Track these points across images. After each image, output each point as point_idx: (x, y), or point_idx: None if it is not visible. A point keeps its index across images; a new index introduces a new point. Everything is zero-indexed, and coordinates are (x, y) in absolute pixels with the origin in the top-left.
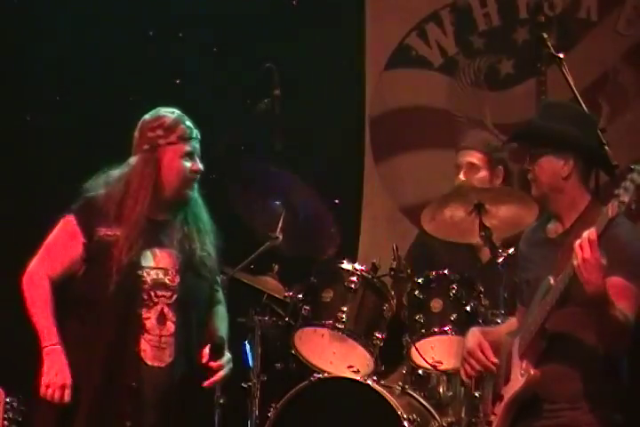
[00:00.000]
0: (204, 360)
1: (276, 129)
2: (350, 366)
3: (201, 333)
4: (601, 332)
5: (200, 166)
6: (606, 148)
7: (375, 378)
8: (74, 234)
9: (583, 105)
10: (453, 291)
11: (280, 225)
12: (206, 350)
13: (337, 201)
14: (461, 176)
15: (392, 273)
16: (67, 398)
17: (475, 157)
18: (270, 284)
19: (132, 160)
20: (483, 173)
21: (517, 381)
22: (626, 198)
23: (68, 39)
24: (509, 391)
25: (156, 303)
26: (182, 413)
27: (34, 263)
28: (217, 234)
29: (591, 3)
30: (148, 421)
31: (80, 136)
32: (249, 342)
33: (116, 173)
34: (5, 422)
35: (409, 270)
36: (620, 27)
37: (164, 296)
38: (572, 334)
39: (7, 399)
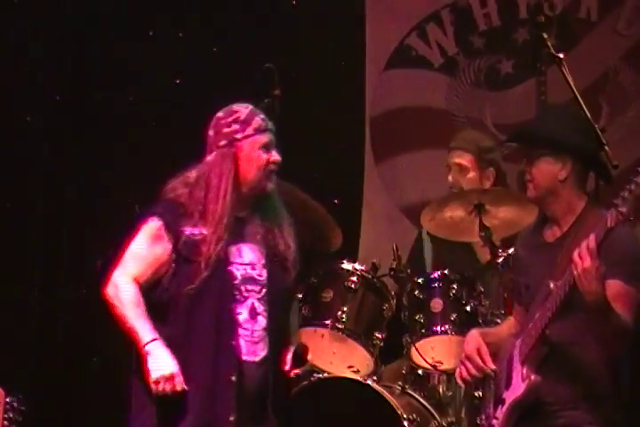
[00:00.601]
0: (286, 368)
1: (276, 129)
2: (350, 366)
3: (287, 327)
4: (602, 337)
5: (278, 157)
6: (606, 148)
7: (375, 378)
8: (160, 237)
9: (583, 105)
10: (453, 291)
11: None
12: (289, 357)
13: (337, 201)
14: (450, 178)
15: (392, 273)
16: (179, 386)
17: (464, 159)
18: None
19: (210, 158)
20: (471, 175)
21: (518, 386)
22: (624, 209)
23: (68, 39)
24: (511, 396)
25: (246, 298)
26: (278, 407)
27: (118, 270)
28: (294, 228)
29: (591, 3)
30: (249, 415)
31: (80, 136)
32: None
33: (193, 172)
34: (5, 423)
35: (409, 270)
36: (619, 27)
37: (253, 291)
38: (572, 340)
39: (7, 399)
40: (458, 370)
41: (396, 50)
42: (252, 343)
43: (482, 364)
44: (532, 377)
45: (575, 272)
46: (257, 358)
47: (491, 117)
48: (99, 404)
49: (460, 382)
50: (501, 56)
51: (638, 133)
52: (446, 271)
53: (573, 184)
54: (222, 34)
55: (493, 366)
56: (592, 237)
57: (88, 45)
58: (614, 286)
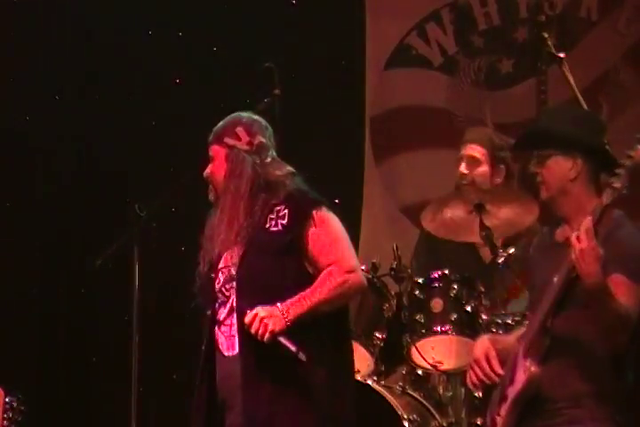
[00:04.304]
0: None
1: (276, 129)
2: None
3: None
4: (602, 326)
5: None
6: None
7: (375, 378)
8: None
9: (584, 104)
10: (453, 291)
11: None
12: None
13: (337, 201)
14: (462, 169)
15: (392, 273)
16: None
17: (477, 151)
18: None
19: None
20: (484, 168)
21: (520, 380)
22: (618, 184)
23: (67, 39)
24: (512, 391)
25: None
26: (261, 401)
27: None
28: None
29: (591, 2)
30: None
31: (80, 136)
32: None
33: None
34: (5, 423)
35: (409, 270)
36: (620, 26)
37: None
38: (574, 332)
39: (7, 399)
40: (467, 376)
41: (395, 49)
42: (227, 338)
43: (488, 368)
44: (532, 369)
45: (573, 255)
46: (234, 353)
47: (491, 117)
48: (99, 404)
49: (471, 387)
50: (501, 55)
51: (638, 133)
52: (446, 271)
53: (584, 183)
54: (222, 34)
55: (501, 371)
56: (589, 217)
57: (87, 45)
58: (618, 281)
